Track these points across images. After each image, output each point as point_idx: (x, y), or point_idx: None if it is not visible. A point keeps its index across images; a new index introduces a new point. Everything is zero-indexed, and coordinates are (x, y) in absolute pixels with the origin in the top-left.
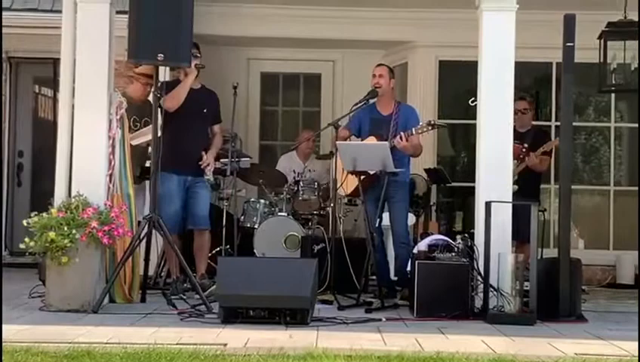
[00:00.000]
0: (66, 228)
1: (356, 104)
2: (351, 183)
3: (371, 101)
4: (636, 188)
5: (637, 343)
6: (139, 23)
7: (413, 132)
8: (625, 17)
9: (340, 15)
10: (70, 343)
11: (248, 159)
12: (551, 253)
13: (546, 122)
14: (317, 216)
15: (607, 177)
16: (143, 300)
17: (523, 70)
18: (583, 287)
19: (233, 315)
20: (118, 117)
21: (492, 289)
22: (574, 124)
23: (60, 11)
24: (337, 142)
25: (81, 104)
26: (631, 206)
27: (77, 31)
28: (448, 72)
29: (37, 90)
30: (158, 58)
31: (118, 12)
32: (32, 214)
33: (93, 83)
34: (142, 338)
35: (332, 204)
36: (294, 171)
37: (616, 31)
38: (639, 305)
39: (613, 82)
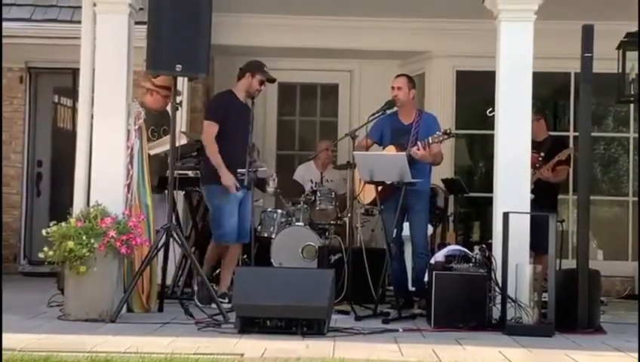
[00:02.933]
0: (84, 238)
1: (373, 114)
2: (369, 193)
3: (389, 111)
4: None
5: None
6: (157, 34)
7: (430, 140)
8: None
9: (356, 25)
10: (89, 352)
11: (265, 170)
12: (569, 264)
13: (564, 132)
14: (334, 226)
15: (626, 188)
16: (160, 309)
17: (541, 80)
18: (602, 299)
19: (250, 325)
20: (137, 127)
21: (510, 301)
22: (593, 134)
23: (79, 22)
24: (354, 153)
25: (99, 114)
26: None
27: (96, 41)
28: (465, 82)
29: (56, 100)
30: (176, 69)
31: (136, 23)
32: (51, 223)
33: (111, 93)
34: (159, 347)
35: (349, 214)
36: (312, 181)
37: (634, 41)
38: (639, 315)
39: (632, 92)
